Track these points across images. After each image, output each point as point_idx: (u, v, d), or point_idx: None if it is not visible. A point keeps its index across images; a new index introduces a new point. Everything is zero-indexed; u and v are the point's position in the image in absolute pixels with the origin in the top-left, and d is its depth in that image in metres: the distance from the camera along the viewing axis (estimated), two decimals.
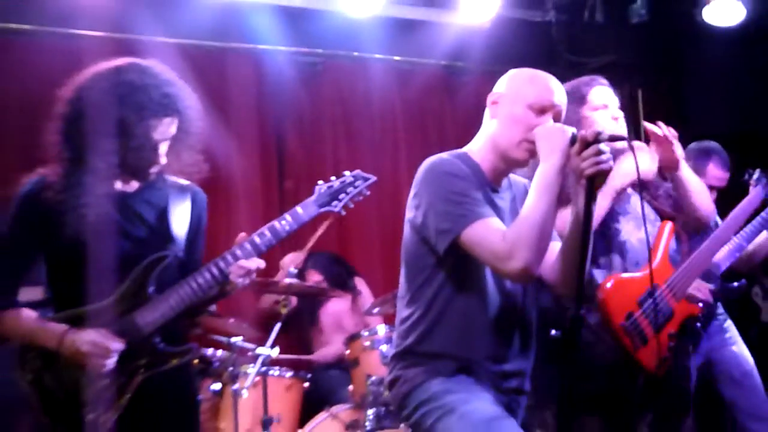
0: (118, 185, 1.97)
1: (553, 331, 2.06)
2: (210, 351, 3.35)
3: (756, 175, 2.76)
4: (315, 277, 3.95)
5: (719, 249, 2.58)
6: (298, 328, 4.00)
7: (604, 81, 2.41)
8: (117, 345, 1.85)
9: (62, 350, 1.84)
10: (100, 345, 1.83)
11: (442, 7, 4.41)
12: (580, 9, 4.46)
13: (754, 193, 2.69)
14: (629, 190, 2.33)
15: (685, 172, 2.40)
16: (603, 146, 1.63)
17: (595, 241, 2.07)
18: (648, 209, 2.35)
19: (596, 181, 1.65)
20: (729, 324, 3.16)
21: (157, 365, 1.92)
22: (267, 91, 4.28)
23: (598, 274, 2.18)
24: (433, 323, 1.79)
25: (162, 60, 3.63)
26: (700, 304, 2.62)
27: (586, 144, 1.64)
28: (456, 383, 1.74)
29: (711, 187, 3.17)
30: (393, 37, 4.46)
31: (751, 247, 2.77)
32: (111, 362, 1.85)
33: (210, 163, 4.14)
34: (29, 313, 1.93)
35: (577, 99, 2.29)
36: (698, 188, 2.46)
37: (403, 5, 4.38)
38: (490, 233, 1.69)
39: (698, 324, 2.77)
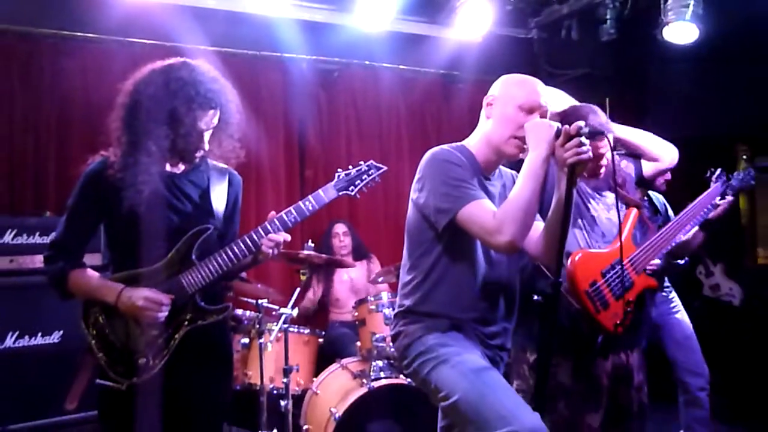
0: (168, 167, 1.96)
1: (535, 297, 2.06)
2: (240, 311, 3.38)
3: (717, 173, 2.84)
4: (347, 240, 3.97)
5: (678, 232, 2.56)
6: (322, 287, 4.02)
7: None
8: (166, 301, 1.86)
9: (119, 304, 1.85)
10: (153, 300, 1.84)
11: (442, 24, 4.38)
12: (558, 28, 4.41)
13: (713, 188, 2.76)
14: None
15: (619, 131, 2.42)
16: (583, 139, 1.64)
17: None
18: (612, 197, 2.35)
19: (576, 169, 1.67)
20: (674, 295, 3.21)
21: (198, 320, 1.92)
22: (291, 93, 4.26)
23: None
24: (431, 287, 1.81)
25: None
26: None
27: (569, 137, 1.65)
28: (449, 338, 1.76)
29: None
30: (399, 48, 4.44)
31: (685, 237, 2.78)
32: (162, 315, 1.85)
33: (244, 153, 4.21)
34: (92, 272, 1.92)
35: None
36: (640, 136, 2.48)
37: (408, 21, 4.35)
38: (482, 212, 1.70)
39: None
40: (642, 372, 2.29)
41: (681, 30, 3.49)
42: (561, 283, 1.71)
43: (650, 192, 3.24)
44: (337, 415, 2.87)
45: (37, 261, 3.05)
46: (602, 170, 2.25)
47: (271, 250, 1.95)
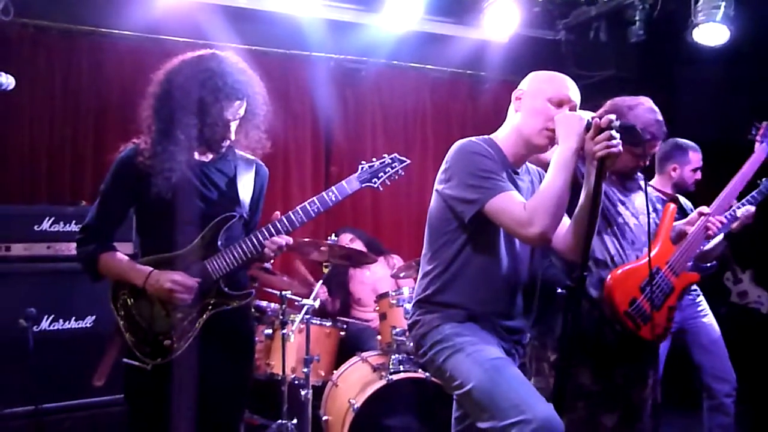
0: (197, 155, 2.00)
1: (559, 290, 2.05)
2: (264, 303, 3.42)
3: (762, 130, 2.48)
4: (357, 245, 3.97)
5: (723, 211, 2.44)
6: (339, 291, 4.06)
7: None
8: (194, 284, 1.90)
9: (147, 286, 1.89)
10: (180, 283, 1.88)
11: (469, 25, 4.38)
12: (586, 29, 4.38)
13: (760, 150, 2.46)
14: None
15: None
16: (614, 132, 1.63)
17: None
18: (652, 197, 2.30)
19: (606, 162, 1.65)
20: (701, 299, 3.13)
21: (221, 305, 1.96)
22: (318, 91, 4.30)
23: (596, 246, 2.14)
24: (450, 278, 1.81)
25: None
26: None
27: (600, 130, 1.64)
28: (465, 328, 1.76)
29: (695, 170, 3.13)
30: (425, 48, 4.46)
31: (707, 246, 2.67)
32: (189, 298, 1.90)
33: (272, 147, 4.27)
34: (122, 255, 1.97)
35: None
36: None
37: (434, 22, 4.35)
38: (512, 203, 1.69)
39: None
40: (655, 371, 2.25)
41: (711, 31, 3.43)
42: (585, 277, 1.70)
43: (679, 196, 3.19)
44: (355, 407, 2.89)
45: (73, 248, 3.11)
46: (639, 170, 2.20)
47: (273, 253, 1.97)
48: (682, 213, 3.09)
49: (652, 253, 2.13)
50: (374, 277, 3.98)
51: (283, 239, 1.98)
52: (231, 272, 1.97)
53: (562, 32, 4.60)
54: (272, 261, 2.15)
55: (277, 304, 3.31)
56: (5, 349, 2.98)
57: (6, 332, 2.98)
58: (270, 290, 3.40)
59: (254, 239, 1.96)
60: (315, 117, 4.34)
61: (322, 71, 4.29)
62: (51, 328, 3.13)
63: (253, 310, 3.34)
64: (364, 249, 3.97)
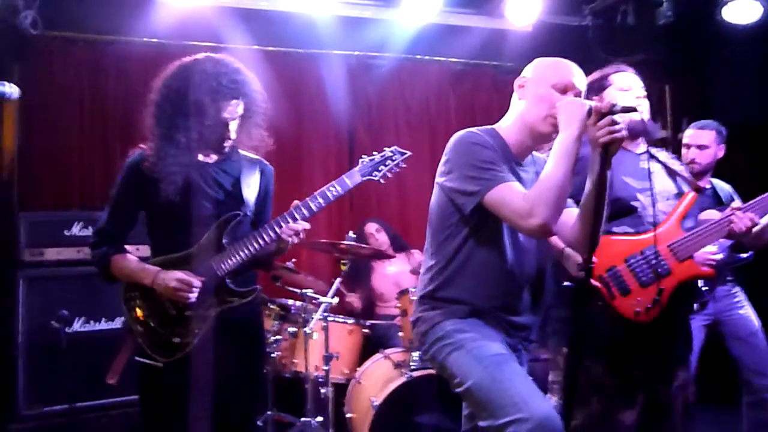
0: (201, 157, 2.04)
1: (566, 282, 2.00)
2: (291, 301, 3.46)
3: None
4: (382, 237, 3.99)
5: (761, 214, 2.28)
6: (362, 286, 4.07)
7: (628, 68, 2.24)
8: (197, 282, 1.93)
9: (155, 286, 1.94)
10: (184, 282, 1.92)
11: (490, 14, 4.31)
12: (613, 13, 4.25)
13: None
14: (652, 167, 2.16)
15: None
16: (617, 117, 1.58)
17: (611, 216, 1.97)
18: (670, 183, 2.20)
19: (610, 148, 1.60)
20: (737, 290, 2.99)
21: (228, 302, 1.99)
22: (341, 88, 4.31)
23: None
24: (452, 273, 1.78)
25: (254, 64, 3.81)
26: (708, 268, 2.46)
27: (602, 115, 1.59)
28: (467, 324, 1.72)
29: (687, 146, 3.01)
30: (447, 40, 4.40)
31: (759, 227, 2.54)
32: (193, 296, 1.93)
33: (295, 145, 4.30)
34: (132, 257, 2.03)
35: (604, 85, 2.17)
36: None
37: (454, 13, 4.30)
38: (512, 194, 1.65)
39: (702, 285, 2.61)
40: (686, 369, 2.15)
41: (742, 8, 3.27)
42: (592, 268, 1.65)
43: (714, 180, 3.07)
44: (375, 404, 2.89)
45: None
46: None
47: (290, 239, 1.99)
48: (717, 199, 2.97)
49: (654, 232, 2.03)
50: (396, 272, 3.97)
51: (300, 224, 1.99)
52: (237, 270, 2.00)
53: (589, 17, 4.48)
54: (282, 255, 2.14)
55: (300, 302, 3.34)
56: (40, 350, 3.13)
57: (40, 334, 3.13)
58: (293, 289, 3.42)
59: (256, 238, 1.98)
60: (337, 114, 4.35)
61: (343, 68, 4.31)
62: (83, 329, 3.26)
63: (277, 308, 3.39)
64: (386, 241, 3.97)
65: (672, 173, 2.20)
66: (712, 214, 2.48)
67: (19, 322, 3.14)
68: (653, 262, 2.00)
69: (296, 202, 2.04)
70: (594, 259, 1.92)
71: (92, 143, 3.82)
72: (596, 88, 2.17)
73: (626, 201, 2.07)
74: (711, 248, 2.28)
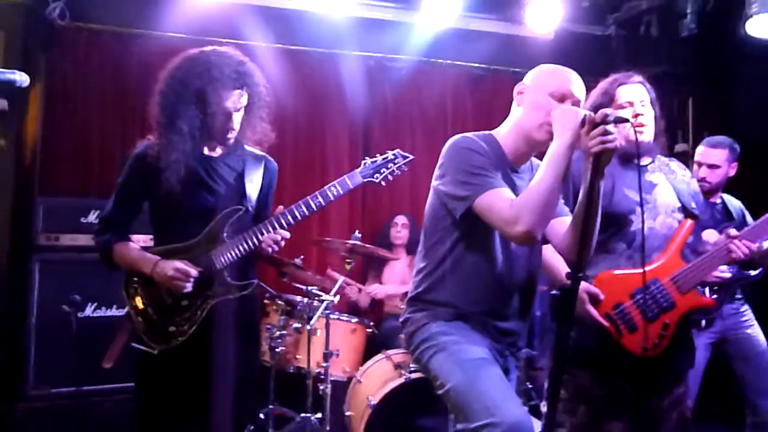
0: (206, 151, 2.08)
1: (554, 291, 1.98)
2: (299, 298, 3.49)
3: None
4: (404, 233, 4.01)
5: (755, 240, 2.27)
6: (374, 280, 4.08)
7: (633, 78, 2.18)
8: (194, 273, 1.98)
9: (154, 274, 1.99)
10: (182, 271, 1.97)
11: (511, 21, 4.31)
12: (637, 24, 4.21)
13: None
14: (654, 179, 2.15)
15: None
16: (610, 127, 1.57)
17: (607, 227, 1.97)
18: (674, 197, 2.17)
19: (602, 158, 1.59)
20: (746, 308, 2.94)
21: (225, 294, 2.03)
22: (358, 90, 4.34)
23: (604, 260, 2.05)
24: (441, 276, 1.79)
25: (273, 62, 3.87)
26: (714, 297, 2.41)
27: (594, 125, 1.58)
28: (452, 327, 1.73)
29: (699, 164, 2.96)
30: (466, 45, 4.40)
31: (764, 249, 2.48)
32: (189, 286, 1.98)
33: (310, 145, 4.33)
34: (134, 246, 2.08)
35: (608, 98, 2.16)
36: None
37: (475, 19, 4.31)
38: (500, 200, 1.66)
39: (702, 317, 2.57)
40: (682, 385, 2.12)
41: (766, 23, 3.20)
42: (581, 277, 1.64)
43: (725, 196, 3.01)
44: (372, 403, 2.90)
45: None
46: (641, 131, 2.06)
47: (270, 248, 2.02)
48: (728, 214, 2.92)
49: (656, 265, 2.01)
50: (403, 269, 3.99)
51: (279, 234, 2.02)
52: (235, 263, 2.03)
53: (612, 27, 4.45)
54: (278, 251, 2.17)
55: (307, 299, 3.37)
56: (51, 333, 3.21)
57: (52, 317, 3.21)
58: (299, 285, 3.46)
59: (256, 233, 2.01)
60: (354, 114, 4.38)
61: (361, 70, 4.33)
62: (95, 315, 3.34)
63: (284, 303, 3.43)
64: (406, 238, 3.97)
65: (676, 191, 2.15)
66: (711, 235, 2.44)
67: (33, 305, 3.23)
68: (658, 296, 1.97)
69: (280, 207, 2.06)
70: (600, 296, 1.92)
71: (112, 133, 3.91)
72: (607, 99, 2.15)
73: (624, 214, 2.04)
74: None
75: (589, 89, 2.18)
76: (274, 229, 2.01)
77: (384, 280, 4.01)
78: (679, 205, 2.15)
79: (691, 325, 2.19)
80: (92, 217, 3.42)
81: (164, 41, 3.90)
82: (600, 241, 1.93)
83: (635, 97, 2.13)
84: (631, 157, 2.04)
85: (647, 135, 2.11)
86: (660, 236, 2.07)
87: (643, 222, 1.86)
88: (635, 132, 1.77)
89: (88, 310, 3.33)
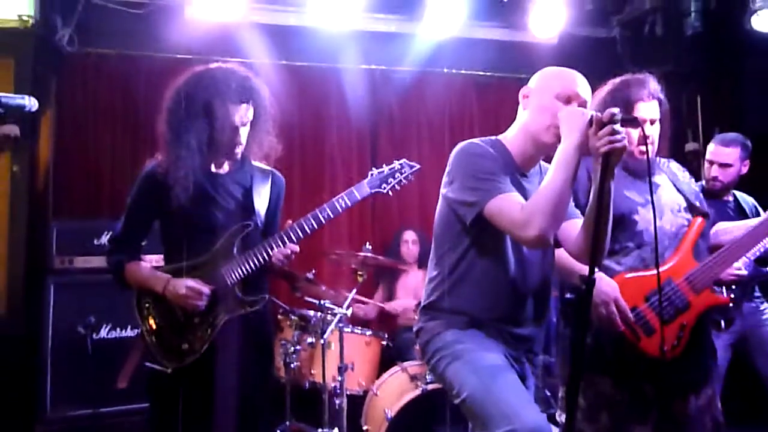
0: (213, 168, 2.09)
1: (568, 294, 1.96)
2: (312, 312, 3.48)
3: None
4: (414, 248, 4.00)
5: (753, 246, 2.26)
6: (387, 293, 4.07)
7: (648, 94, 2.07)
8: (206, 290, 1.98)
9: (166, 293, 2.00)
10: (194, 289, 1.97)
11: (514, 27, 4.31)
12: (641, 24, 4.19)
13: None
14: (657, 180, 2.14)
15: None
16: (617, 127, 1.55)
17: (613, 229, 1.94)
18: (678, 195, 2.14)
19: (611, 158, 1.57)
20: (765, 306, 2.89)
21: (237, 310, 2.03)
22: (364, 102, 4.36)
23: (612, 263, 2.02)
24: (453, 284, 1.77)
25: (280, 78, 3.90)
26: (731, 295, 2.37)
27: (602, 124, 1.57)
28: (467, 335, 1.72)
29: (710, 162, 2.93)
30: (471, 53, 4.42)
31: None
32: (202, 303, 1.98)
33: (319, 157, 4.34)
34: (145, 265, 2.09)
35: (626, 102, 2.03)
36: None
37: (479, 26, 4.32)
38: (510, 205, 1.64)
39: (721, 317, 2.52)
40: (709, 386, 2.06)
41: None
42: (594, 280, 1.62)
43: (737, 193, 2.98)
44: (389, 416, 2.87)
45: None
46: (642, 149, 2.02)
47: (279, 262, 2.02)
48: (741, 212, 2.88)
49: (668, 265, 1.97)
50: (415, 283, 3.97)
51: (289, 248, 2.02)
52: (245, 279, 2.03)
53: (616, 29, 4.44)
54: (289, 265, 2.16)
55: (320, 313, 3.36)
56: (67, 354, 3.23)
57: (67, 339, 3.23)
58: (312, 300, 3.45)
59: (265, 248, 2.01)
60: (361, 127, 4.40)
61: (366, 82, 4.36)
62: (109, 336, 3.35)
63: (297, 318, 3.42)
64: (417, 253, 3.96)
65: (680, 190, 2.12)
66: (723, 226, 2.41)
67: (48, 327, 3.25)
68: (673, 297, 1.94)
69: (289, 222, 2.06)
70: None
71: (122, 155, 3.95)
72: (623, 105, 2.02)
73: (626, 214, 2.01)
74: (735, 263, 2.21)
75: (595, 92, 2.18)
76: (284, 243, 2.01)
77: (397, 294, 4.00)
78: (685, 204, 2.12)
79: (710, 325, 2.15)
80: (104, 239, 3.44)
81: (170, 62, 3.95)
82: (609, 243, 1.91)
83: (649, 116, 2.06)
84: (636, 172, 2.01)
85: (651, 151, 2.07)
86: (669, 235, 2.04)
87: (656, 230, 1.82)
88: (644, 132, 1.74)
89: (103, 332, 3.35)
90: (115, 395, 3.22)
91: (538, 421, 1.53)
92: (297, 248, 2.05)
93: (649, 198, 2.03)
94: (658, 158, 2.18)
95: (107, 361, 3.20)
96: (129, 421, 3.30)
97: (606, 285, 1.90)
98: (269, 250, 2.02)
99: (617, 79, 2.13)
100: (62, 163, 3.86)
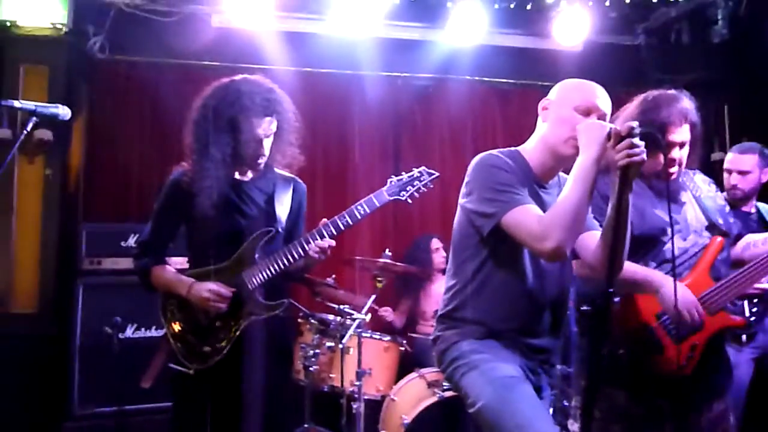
0: (237, 175, 2.15)
1: (585, 306, 1.96)
2: (331, 317, 3.52)
3: None
4: (438, 255, 4.02)
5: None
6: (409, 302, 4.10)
7: (680, 118, 1.98)
8: (227, 294, 2.04)
9: (189, 296, 2.06)
10: (216, 292, 2.03)
11: (538, 35, 4.32)
12: (667, 32, 4.17)
13: None
14: (683, 198, 2.11)
15: None
16: (636, 140, 1.56)
17: (638, 247, 1.93)
18: (702, 216, 2.10)
19: (629, 172, 1.58)
20: None
21: (258, 314, 2.07)
22: (386, 109, 4.42)
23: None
24: (471, 294, 1.79)
25: (303, 85, 3.97)
26: (754, 309, 2.34)
27: (620, 138, 1.57)
28: (483, 345, 1.73)
29: (728, 171, 2.90)
30: (494, 61, 4.44)
31: None
32: (224, 306, 2.04)
33: (341, 164, 4.39)
34: (170, 269, 2.16)
35: (658, 126, 1.92)
36: None
37: (502, 34, 4.33)
38: (528, 217, 1.65)
39: (749, 315, 2.49)
40: (722, 401, 2.05)
41: None
42: (612, 293, 1.63)
43: (759, 204, 2.94)
44: (406, 422, 2.90)
45: None
46: (673, 170, 2.02)
47: (317, 255, 2.05)
48: (764, 223, 2.84)
49: (683, 284, 1.95)
50: (439, 291, 3.97)
51: (326, 242, 2.06)
52: (267, 283, 2.08)
53: (642, 36, 4.42)
54: (310, 270, 2.20)
55: (339, 318, 3.40)
56: (94, 353, 3.32)
57: (94, 338, 3.33)
58: (331, 304, 3.49)
59: (286, 253, 2.06)
60: (384, 135, 4.45)
61: (389, 90, 4.40)
62: (135, 336, 3.44)
63: (317, 323, 3.47)
64: (443, 261, 3.98)
65: (703, 208, 2.10)
66: (752, 238, 2.38)
67: (77, 326, 3.35)
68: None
69: (324, 220, 2.11)
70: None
71: (151, 161, 4.05)
72: (657, 125, 1.92)
73: (656, 235, 1.99)
74: None
75: (620, 101, 2.14)
76: (304, 251, 2.06)
77: (422, 303, 4.01)
78: (707, 223, 2.09)
79: (724, 341, 2.13)
80: (132, 242, 3.54)
81: (198, 69, 4.06)
82: (633, 262, 1.92)
83: (679, 140, 2.01)
84: (662, 192, 1.99)
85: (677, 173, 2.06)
86: (692, 255, 2.02)
87: (673, 246, 1.82)
88: (663, 148, 1.74)
89: (129, 332, 3.44)
90: (140, 394, 3.25)
91: None
92: (333, 243, 2.08)
93: (676, 218, 2.03)
94: (683, 174, 2.14)
95: (132, 359, 3.27)
96: (153, 420, 3.37)
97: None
98: (290, 255, 2.06)
99: (648, 96, 2.05)
100: (93, 168, 3.98)
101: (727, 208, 2.21)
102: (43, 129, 3.49)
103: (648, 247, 2.00)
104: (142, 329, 3.46)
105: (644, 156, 1.57)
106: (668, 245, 1.99)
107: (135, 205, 4.02)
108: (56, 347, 3.42)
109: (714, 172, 4.23)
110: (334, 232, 2.09)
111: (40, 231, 3.54)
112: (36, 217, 3.55)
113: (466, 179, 1.83)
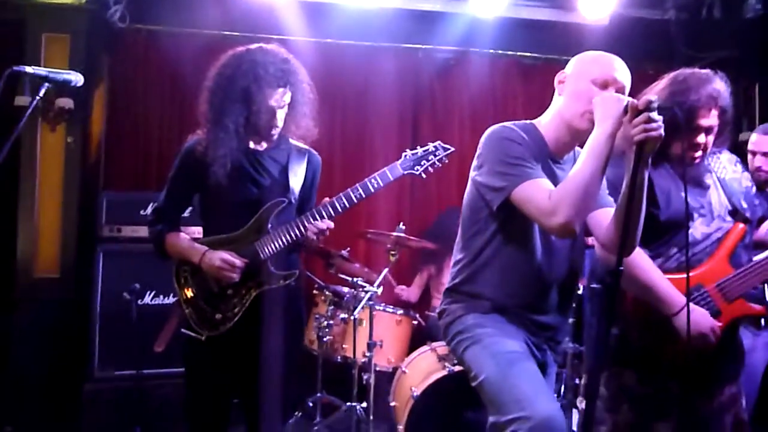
0: (252, 145, 2.16)
1: (594, 285, 1.95)
2: (346, 289, 3.56)
3: None
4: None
5: None
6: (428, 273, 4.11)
7: (710, 103, 1.91)
8: (239, 263, 2.07)
9: (202, 264, 2.09)
10: (228, 261, 2.06)
11: (563, 8, 4.21)
12: (698, 6, 4.03)
13: None
14: (707, 180, 2.05)
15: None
16: (654, 114, 1.52)
17: (663, 232, 1.92)
18: (725, 198, 2.06)
19: (645, 147, 1.54)
20: None
21: (269, 283, 2.10)
22: (406, 82, 4.38)
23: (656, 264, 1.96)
24: (478, 268, 1.80)
25: (322, 56, 3.95)
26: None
27: (637, 112, 1.54)
28: (489, 320, 1.74)
29: (753, 153, 2.82)
30: (517, 34, 4.35)
31: None
32: (236, 276, 2.07)
33: (359, 137, 4.38)
34: (184, 236, 2.18)
35: (686, 110, 1.86)
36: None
37: (526, 6, 4.24)
38: (538, 191, 1.64)
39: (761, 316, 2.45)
40: (734, 385, 2.03)
41: None
42: (621, 271, 1.61)
43: None
44: (416, 394, 2.94)
45: None
46: (697, 155, 2.00)
47: (314, 236, 2.07)
48: None
49: (701, 270, 1.93)
50: None
51: (324, 224, 2.07)
52: (278, 254, 2.11)
53: (671, 11, 4.28)
54: (323, 241, 2.22)
55: (353, 290, 3.44)
56: (114, 319, 3.42)
57: (114, 304, 3.41)
58: (345, 277, 3.53)
59: (299, 223, 2.08)
60: (403, 108, 4.42)
61: (409, 62, 4.36)
62: (153, 302, 3.52)
63: (331, 294, 3.52)
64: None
65: (727, 192, 2.05)
66: None
67: (97, 292, 3.45)
68: (702, 303, 1.90)
69: (326, 199, 2.11)
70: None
71: (170, 130, 4.10)
72: (685, 109, 1.87)
73: (682, 220, 1.93)
74: None
75: (647, 77, 2.07)
76: (316, 220, 2.07)
77: (441, 276, 3.99)
78: (731, 207, 2.05)
79: (739, 325, 2.10)
80: (150, 209, 3.60)
81: (217, 39, 4.06)
82: (656, 247, 1.89)
83: (707, 125, 1.94)
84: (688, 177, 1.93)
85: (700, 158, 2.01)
86: (715, 241, 1.99)
87: (687, 231, 1.79)
88: (681, 123, 1.69)
89: (147, 298, 3.52)
90: (157, 358, 3.38)
91: (552, 410, 1.55)
92: (332, 224, 2.09)
93: (702, 202, 2.00)
94: (709, 155, 2.07)
95: (150, 325, 3.32)
96: (170, 383, 3.46)
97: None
98: (302, 226, 2.08)
99: (679, 76, 1.97)
100: (113, 136, 4.04)
101: (754, 189, 2.15)
102: (65, 98, 3.54)
103: (673, 232, 1.96)
104: (161, 296, 3.54)
105: (662, 131, 1.54)
106: (692, 230, 1.96)
107: (154, 173, 4.07)
108: (77, 312, 3.53)
109: (742, 151, 4.15)
110: (332, 213, 2.09)
111: (62, 198, 3.62)
112: (58, 184, 3.63)
113: (478, 151, 1.81)
